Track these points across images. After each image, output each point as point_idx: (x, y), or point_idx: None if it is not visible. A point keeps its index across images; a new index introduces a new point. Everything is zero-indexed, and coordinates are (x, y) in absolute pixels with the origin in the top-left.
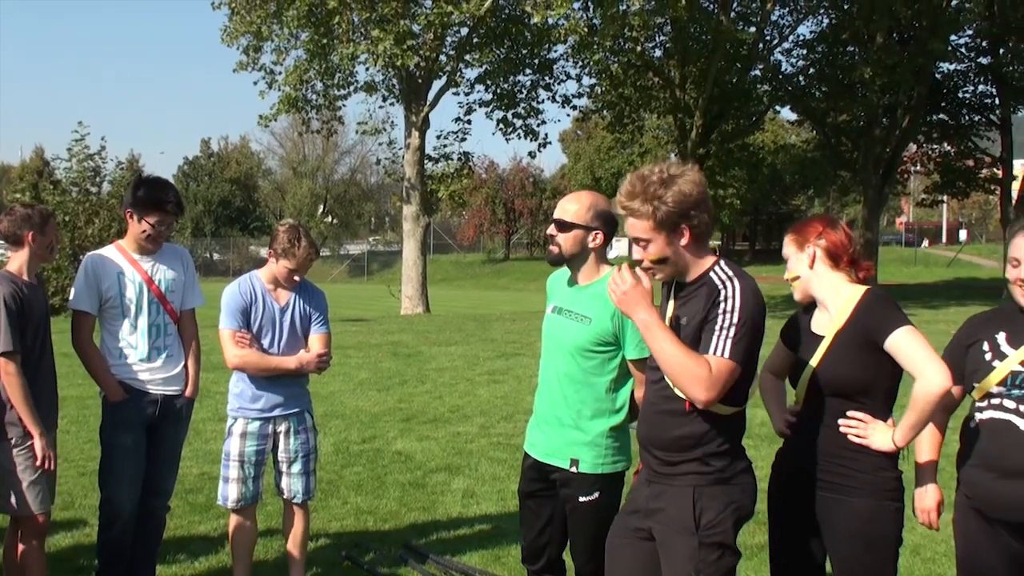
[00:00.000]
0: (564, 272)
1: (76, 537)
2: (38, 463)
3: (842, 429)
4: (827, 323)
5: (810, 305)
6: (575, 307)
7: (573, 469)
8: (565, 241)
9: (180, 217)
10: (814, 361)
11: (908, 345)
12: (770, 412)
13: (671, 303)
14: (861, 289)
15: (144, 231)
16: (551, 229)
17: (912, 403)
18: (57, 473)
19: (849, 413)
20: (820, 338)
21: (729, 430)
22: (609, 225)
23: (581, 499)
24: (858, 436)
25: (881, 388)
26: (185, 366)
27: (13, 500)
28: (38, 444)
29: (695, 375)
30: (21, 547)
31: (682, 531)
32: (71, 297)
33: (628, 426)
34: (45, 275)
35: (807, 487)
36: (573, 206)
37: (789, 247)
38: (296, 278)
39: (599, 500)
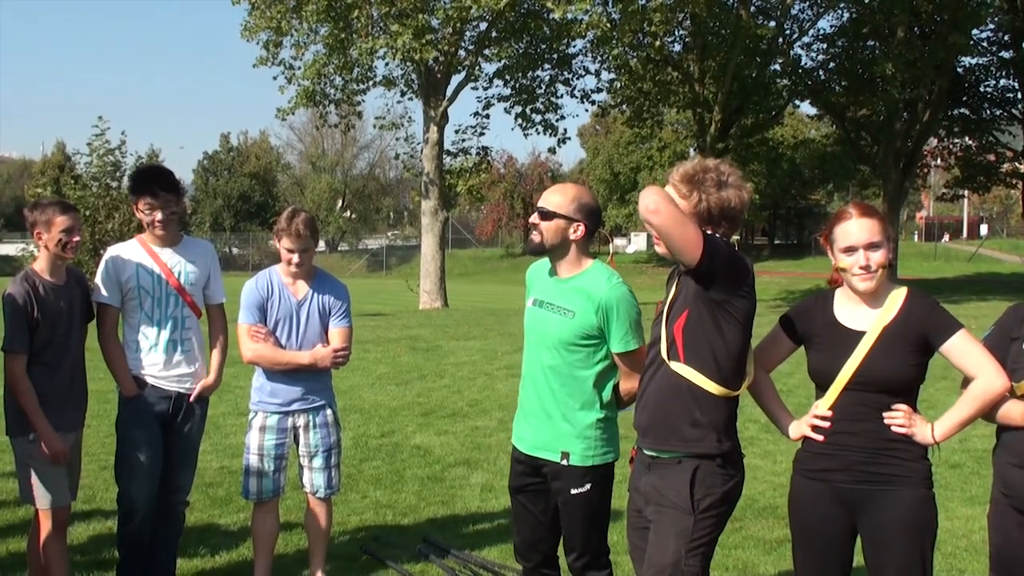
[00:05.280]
0: (544, 264)
1: (97, 530)
2: (46, 458)
3: (886, 421)
4: (865, 318)
5: (825, 296)
6: (557, 300)
7: (564, 462)
8: (547, 231)
9: (178, 199)
10: (858, 356)
11: (969, 347)
12: (773, 414)
13: (674, 287)
14: (903, 288)
15: (142, 217)
16: (533, 218)
17: (970, 399)
18: (80, 469)
19: (894, 406)
20: (856, 332)
21: (726, 415)
22: (592, 219)
23: (572, 492)
24: (902, 427)
25: (918, 384)
26: (206, 361)
27: (35, 492)
28: (44, 440)
29: (661, 196)
30: (43, 539)
31: (678, 509)
32: (93, 290)
33: (620, 412)
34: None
35: (845, 484)
36: (557, 197)
37: (881, 235)
38: (296, 260)
39: (590, 493)
